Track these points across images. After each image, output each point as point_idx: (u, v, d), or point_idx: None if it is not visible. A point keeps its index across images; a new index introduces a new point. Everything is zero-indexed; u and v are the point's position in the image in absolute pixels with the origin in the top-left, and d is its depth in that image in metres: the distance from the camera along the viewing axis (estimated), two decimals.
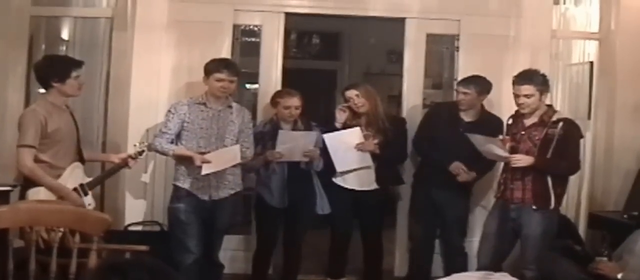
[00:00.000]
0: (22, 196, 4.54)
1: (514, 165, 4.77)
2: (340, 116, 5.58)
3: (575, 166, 5.01)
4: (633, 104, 6.12)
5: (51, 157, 4.53)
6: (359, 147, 5.47)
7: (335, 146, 5.46)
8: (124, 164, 4.89)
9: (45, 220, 3.65)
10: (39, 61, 5.14)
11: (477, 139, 5.00)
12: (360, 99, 5.52)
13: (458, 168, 5.39)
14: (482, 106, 5.56)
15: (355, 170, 5.53)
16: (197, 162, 4.87)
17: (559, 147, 4.75)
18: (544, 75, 4.94)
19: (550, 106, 4.99)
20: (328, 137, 5.46)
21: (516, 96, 4.87)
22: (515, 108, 5.03)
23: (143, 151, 4.91)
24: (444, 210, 5.57)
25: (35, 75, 4.85)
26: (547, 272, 4.63)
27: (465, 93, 5.44)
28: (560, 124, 4.80)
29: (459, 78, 5.80)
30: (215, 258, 5.25)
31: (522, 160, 4.75)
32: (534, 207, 4.81)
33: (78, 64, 4.69)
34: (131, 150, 4.94)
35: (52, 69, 4.64)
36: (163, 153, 5.11)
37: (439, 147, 5.48)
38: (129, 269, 2.00)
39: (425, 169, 5.67)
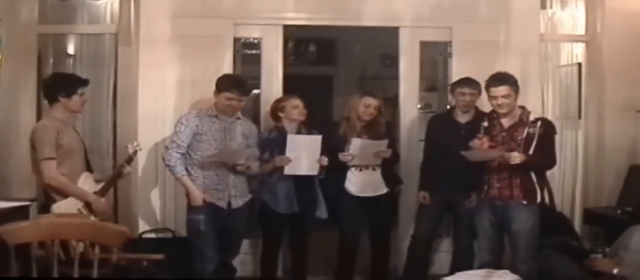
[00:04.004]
0: (45, 210, 4.67)
1: (512, 162, 4.87)
2: None
3: (554, 161, 5.25)
4: (621, 102, 6.31)
5: (68, 169, 4.70)
6: (380, 154, 5.56)
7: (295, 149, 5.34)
8: (119, 174, 4.99)
9: (66, 234, 3.74)
10: (47, 77, 5.35)
11: (473, 154, 5.05)
12: (375, 109, 5.61)
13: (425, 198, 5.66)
14: (476, 106, 5.64)
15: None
16: (198, 201, 5.09)
17: (540, 145, 4.95)
18: (513, 76, 5.05)
19: (523, 107, 5.12)
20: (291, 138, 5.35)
21: (494, 98, 4.99)
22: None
23: (134, 155, 4.98)
24: (458, 211, 5.64)
25: (43, 91, 5.04)
26: (547, 269, 4.79)
27: (472, 94, 5.52)
28: (539, 122, 5.00)
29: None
30: (229, 262, 5.39)
31: (518, 157, 4.89)
32: (524, 202, 4.95)
33: (84, 83, 4.91)
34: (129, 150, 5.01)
35: (60, 84, 4.85)
36: (170, 170, 5.21)
37: (446, 158, 5.45)
38: None
39: (438, 173, 5.68)
